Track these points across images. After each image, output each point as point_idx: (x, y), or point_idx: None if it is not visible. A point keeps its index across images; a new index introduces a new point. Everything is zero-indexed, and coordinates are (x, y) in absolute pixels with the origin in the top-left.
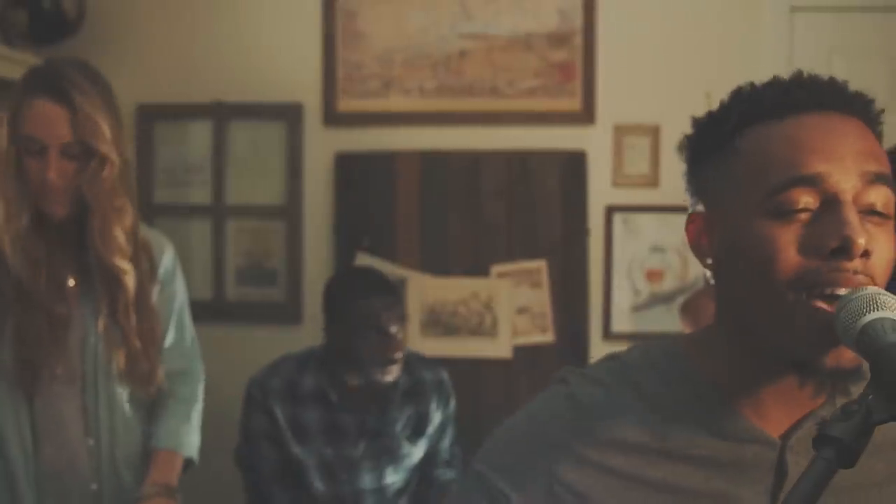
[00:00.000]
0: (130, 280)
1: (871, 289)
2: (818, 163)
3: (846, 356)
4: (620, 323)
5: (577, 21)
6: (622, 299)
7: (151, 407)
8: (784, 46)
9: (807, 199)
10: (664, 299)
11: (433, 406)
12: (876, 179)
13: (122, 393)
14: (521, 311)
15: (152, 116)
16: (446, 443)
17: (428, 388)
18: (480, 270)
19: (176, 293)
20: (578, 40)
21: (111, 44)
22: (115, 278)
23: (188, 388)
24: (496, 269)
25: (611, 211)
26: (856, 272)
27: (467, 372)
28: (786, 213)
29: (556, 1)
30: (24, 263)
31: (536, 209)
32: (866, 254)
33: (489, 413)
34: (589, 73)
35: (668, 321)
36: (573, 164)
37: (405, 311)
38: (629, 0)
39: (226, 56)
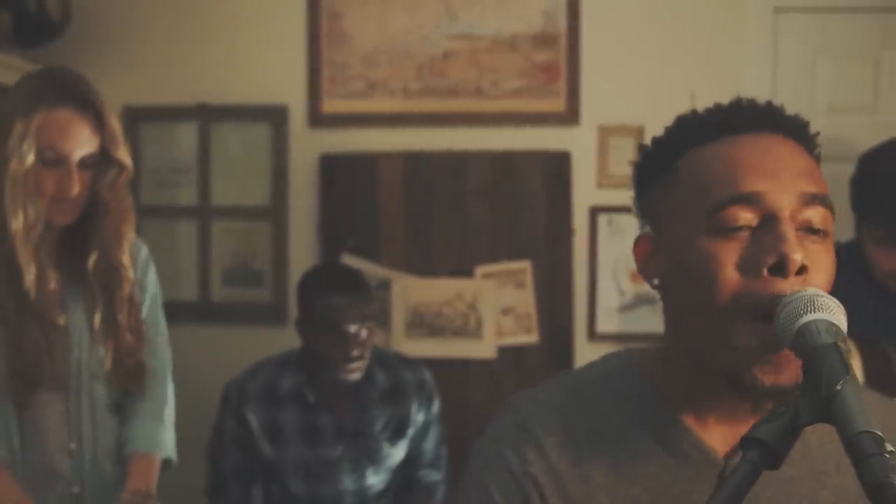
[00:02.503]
0: (131, 275)
1: (811, 290)
2: (756, 181)
3: (784, 375)
4: (605, 323)
5: (562, 22)
6: (607, 300)
7: (121, 410)
8: (768, 47)
9: (746, 217)
10: (649, 300)
11: (414, 407)
12: (812, 199)
13: (105, 395)
14: (506, 311)
15: (138, 118)
16: (430, 444)
17: (409, 389)
18: (465, 271)
19: (147, 288)
20: (563, 41)
21: (96, 46)
22: (117, 275)
23: (157, 386)
24: (480, 269)
25: (595, 211)
26: (794, 292)
27: (452, 373)
28: (726, 231)
29: (540, 2)
30: (35, 274)
31: (521, 210)
32: (803, 269)
33: (474, 414)
34: (573, 74)
35: (653, 321)
36: (557, 165)
37: (371, 311)
38: (613, 1)
39: (211, 58)
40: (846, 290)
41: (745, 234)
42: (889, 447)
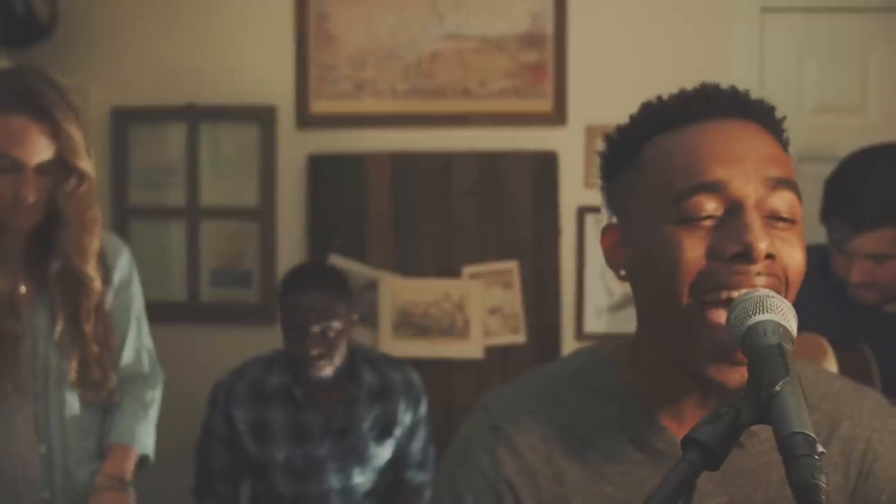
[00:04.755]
0: (97, 286)
1: (762, 291)
2: (719, 169)
3: (741, 374)
4: (593, 323)
5: (549, 23)
6: (595, 300)
7: (107, 408)
8: (755, 47)
9: (711, 206)
10: None
11: (401, 408)
12: (778, 184)
13: (75, 399)
14: (493, 311)
15: (127, 119)
16: (418, 445)
17: (396, 390)
18: (452, 271)
19: (133, 298)
20: (550, 42)
21: (84, 47)
22: (82, 285)
23: (147, 390)
24: (468, 269)
25: (583, 212)
26: (758, 274)
27: (439, 373)
28: (691, 220)
29: (527, 3)
30: None
31: (508, 210)
32: (770, 257)
33: (461, 414)
34: (560, 75)
35: None
36: (544, 165)
37: (342, 308)
38: (600, 2)
39: (199, 59)
40: (826, 293)
41: (709, 223)
42: (820, 448)
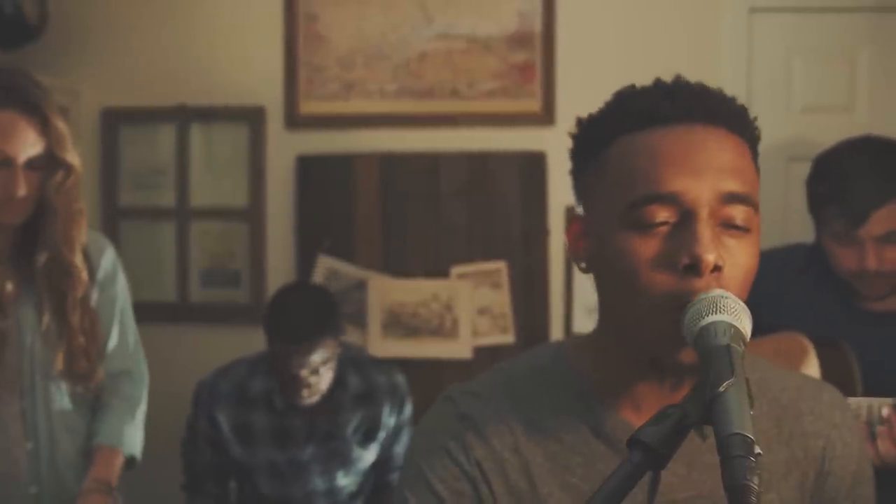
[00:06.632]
0: (84, 276)
1: (717, 292)
2: (676, 180)
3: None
4: (582, 323)
5: (537, 23)
6: (583, 299)
7: (95, 406)
8: (743, 47)
9: (665, 214)
10: None
11: (386, 410)
12: (733, 199)
13: (63, 395)
14: (482, 311)
15: (117, 120)
16: (401, 447)
17: (381, 393)
18: (440, 272)
19: (117, 294)
20: (538, 42)
21: (74, 48)
22: (69, 276)
23: (132, 388)
24: (456, 270)
25: (571, 212)
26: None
27: (428, 373)
28: (644, 227)
29: (515, 3)
30: None
31: (497, 210)
32: (718, 268)
33: None
34: (549, 75)
35: None
36: (533, 165)
37: (331, 338)
38: (589, 1)
39: (189, 60)
40: (809, 292)
41: (663, 230)
42: (757, 449)
